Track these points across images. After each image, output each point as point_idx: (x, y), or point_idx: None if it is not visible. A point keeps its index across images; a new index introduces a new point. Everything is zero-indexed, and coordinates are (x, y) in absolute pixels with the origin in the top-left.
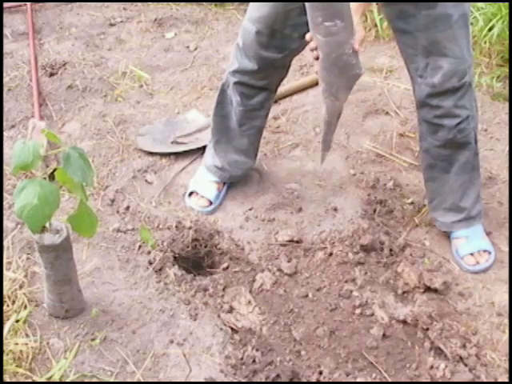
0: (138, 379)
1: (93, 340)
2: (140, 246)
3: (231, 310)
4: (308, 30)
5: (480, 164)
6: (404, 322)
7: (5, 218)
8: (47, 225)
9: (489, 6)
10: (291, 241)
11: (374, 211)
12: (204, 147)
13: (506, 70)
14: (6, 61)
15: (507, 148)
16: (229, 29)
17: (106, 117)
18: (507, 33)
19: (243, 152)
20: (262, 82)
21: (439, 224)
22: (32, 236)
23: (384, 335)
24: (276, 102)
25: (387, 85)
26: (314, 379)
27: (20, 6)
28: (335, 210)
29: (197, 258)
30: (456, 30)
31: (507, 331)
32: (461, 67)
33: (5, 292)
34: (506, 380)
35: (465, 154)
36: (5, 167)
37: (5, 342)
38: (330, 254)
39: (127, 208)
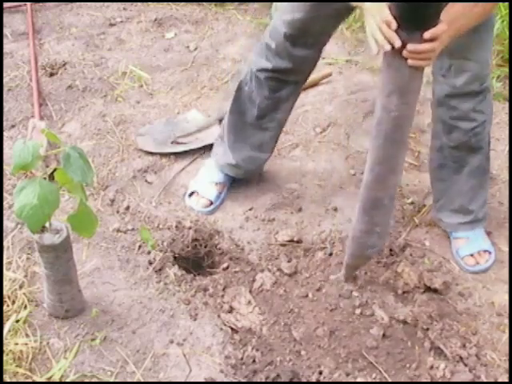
0: (137, 379)
1: (93, 340)
2: (140, 246)
3: (231, 310)
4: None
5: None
6: (404, 322)
7: (5, 218)
8: (47, 225)
9: None
10: (291, 241)
11: None
12: (204, 147)
13: (506, 69)
14: (6, 61)
15: (507, 148)
16: (229, 29)
17: (105, 117)
18: (507, 33)
19: (258, 148)
20: (294, 77)
21: (444, 224)
22: (32, 236)
23: (384, 335)
24: None
25: None
26: (313, 379)
27: (20, 6)
28: (335, 209)
29: (197, 258)
30: (482, 34)
31: (507, 331)
32: (484, 72)
33: (5, 292)
34: (506, 380)
35: (477, 158)
36: (5, 167)
37: (5, 342)
38: (330, 254)
39: (127, 208)
